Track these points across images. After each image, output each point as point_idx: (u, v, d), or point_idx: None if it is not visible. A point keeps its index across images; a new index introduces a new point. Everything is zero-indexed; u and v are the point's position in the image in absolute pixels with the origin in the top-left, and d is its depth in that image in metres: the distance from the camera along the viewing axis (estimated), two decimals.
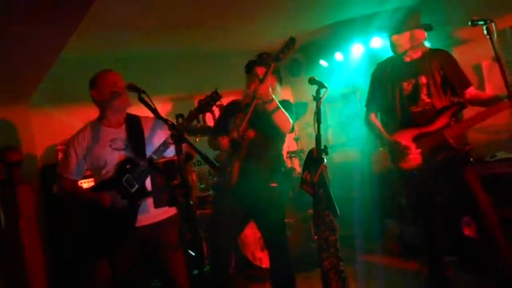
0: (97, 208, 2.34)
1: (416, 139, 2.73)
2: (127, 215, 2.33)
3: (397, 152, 2.77)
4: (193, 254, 3.86)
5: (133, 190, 2.33)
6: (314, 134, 2.35)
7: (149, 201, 2.40)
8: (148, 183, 2.39)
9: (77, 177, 2.46)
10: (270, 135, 2.78)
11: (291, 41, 2.60)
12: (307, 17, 4.63)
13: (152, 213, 2.41)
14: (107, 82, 2.40)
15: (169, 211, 2.48)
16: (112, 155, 2.39)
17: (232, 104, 2.97)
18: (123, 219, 2.33)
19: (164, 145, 2.32)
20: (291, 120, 2.70)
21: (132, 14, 3.62)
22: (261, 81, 2.56)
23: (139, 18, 3.78)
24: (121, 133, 2.46)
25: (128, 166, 2.35)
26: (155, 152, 2.33)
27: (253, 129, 2.69)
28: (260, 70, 2.70)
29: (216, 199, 2.77)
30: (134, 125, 2.49)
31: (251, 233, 3.86)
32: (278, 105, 2.62)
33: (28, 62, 2.84)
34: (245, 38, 5.13)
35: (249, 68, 2.84)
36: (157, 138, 2.46)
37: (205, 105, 2.38)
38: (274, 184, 2.75)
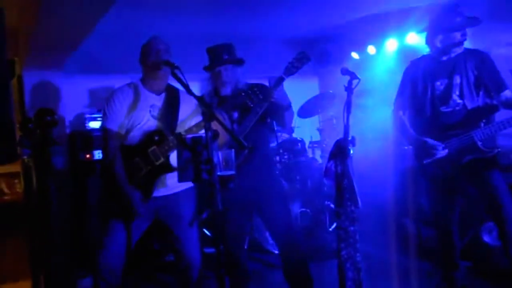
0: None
1: (444, 139, 2.69)
2: (146, 184, 2.36)
3: (423, 151, 2.74)
4: (208, 233, 3.93)
5: (158, 163, 2.35)
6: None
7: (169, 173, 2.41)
8: (173, 156, 2.39)
9: (120, 130, 2.42)
10: (267, 134, 2.80)
11: (303, 55, 2.56)
12: (341, 8, 4.57)
13: (169, 185, 2.43)
14: (151, 50, 2.43)
15: (185, 184, 2.47)
16: (147, 121, 2.42)
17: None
18: (141, 187, 2.36)
19: (198, 127, 2.33)
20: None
21: None
22: (276, 87, 2.52)
23: None
24: (159, 101, 2.48)
25: (156, 138, 2.36)
26: (187, 131, 2.32)
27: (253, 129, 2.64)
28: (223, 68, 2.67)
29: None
30: (172, 97, 2.50)
31: None
32: (290, 103, 2.63)
33: (67, 28, 2.89)
34: (277, 26, 5.10)
35: (213, 65, 2.73)
36: (190, 114, 2.49)
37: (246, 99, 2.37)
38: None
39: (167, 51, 2.44)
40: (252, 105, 2.43)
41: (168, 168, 2.38)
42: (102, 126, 2.49)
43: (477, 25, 2.70)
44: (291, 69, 2.56)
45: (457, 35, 2.66)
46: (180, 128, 2.45)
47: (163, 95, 2.51)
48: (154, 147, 2.35)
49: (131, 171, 2.36)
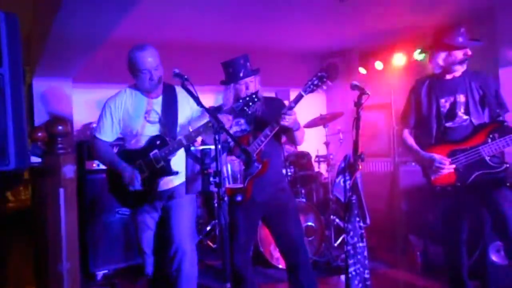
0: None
1: (451, 155, 2.69)
2: (149, 185, 2.44)
3: (430, 167, 2.73)
4: (213, 246, 3.92)
5: (158, 166, 2.42)
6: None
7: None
8: (173, 162, 2.46)
9: (109, 139, 2.54)
10: (278, 147, 2.77)
11: (324, 74, 2.41)
12: (349, 24, 4.61)
13: (172, 182, 2.52)
14: (140, 61, 2.39)
15: (183, 178, 2.43)
16: (145, 127, 2.47)
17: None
18: (145, 187, 2.44)
19: (206, 127, 2.31)
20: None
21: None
22: (291, 108, 2.41)
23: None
24: (156, 105, 2.51)
25: (158, 142, 2.43)
26: (195, 133, 2.35)
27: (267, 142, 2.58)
28: (247, 80, 2.58)
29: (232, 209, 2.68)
30: (170, 99, 2.52)
31: (269, 233, 3.86)
32: (300, 125, 2.56)
33: (80, 39, 2.91)
34: (285, 40, 5.14)
35: (235, 78, 2.59)
36: (189, 111, 2.54)
37: (244, 106, 2.36)
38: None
39: (155, 59, 2.41)
40: (268, 118, 2.43)
41: (168, 172, 2.44)
42: (91, 135, 2.61)
43: (478, 45, 2.72)
44: (311, 87, 2.43)
45: (459, 54, 2.69)
46: (183, 130, 2.49)
47: (159, 98, 2.53)
48: (156, 151, 2.42)
49: (128, 183, 2.42)
